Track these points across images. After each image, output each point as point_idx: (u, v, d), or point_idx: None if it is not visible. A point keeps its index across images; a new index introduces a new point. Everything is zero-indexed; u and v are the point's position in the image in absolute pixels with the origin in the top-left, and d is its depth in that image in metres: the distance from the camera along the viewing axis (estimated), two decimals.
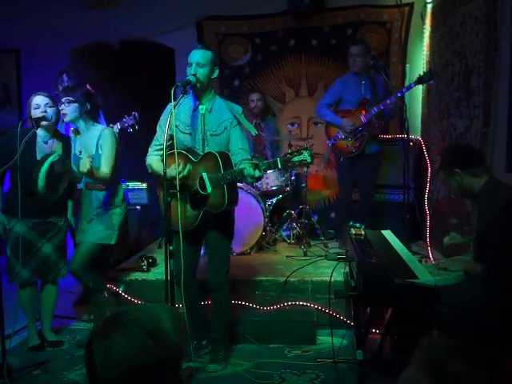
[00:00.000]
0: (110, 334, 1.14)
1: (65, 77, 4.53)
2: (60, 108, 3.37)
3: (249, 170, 2.74)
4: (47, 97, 3.36)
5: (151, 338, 1.14)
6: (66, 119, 3.42)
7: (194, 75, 2.96)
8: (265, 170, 2.77)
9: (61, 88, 4.43)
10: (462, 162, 2.72)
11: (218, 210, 2.98)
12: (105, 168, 3.38)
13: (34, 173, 3.17)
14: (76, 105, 3.35)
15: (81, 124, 3.44)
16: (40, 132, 3.37)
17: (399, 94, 4.50)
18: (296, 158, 2.68)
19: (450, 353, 1.10)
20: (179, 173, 2.90)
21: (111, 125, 4.49)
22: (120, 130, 4.43)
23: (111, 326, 1.17)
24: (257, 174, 2.73)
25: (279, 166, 2.75)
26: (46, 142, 3.43)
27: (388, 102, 4.53)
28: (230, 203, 2.95)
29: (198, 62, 2.98)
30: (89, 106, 3.40)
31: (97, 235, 3.46)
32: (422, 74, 4.43)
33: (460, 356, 1.09)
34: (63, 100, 3.34)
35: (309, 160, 2.68)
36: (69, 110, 3.35)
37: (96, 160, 3.36)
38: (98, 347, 1.14)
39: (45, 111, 3.31)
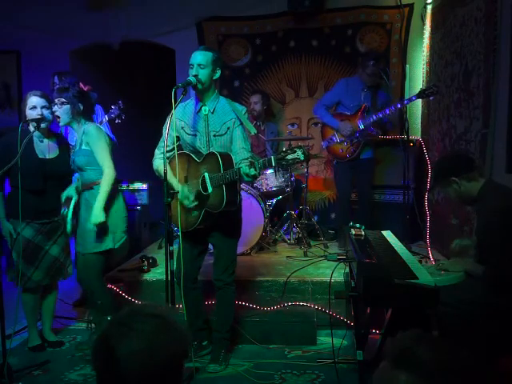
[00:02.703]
0: (131, 327, 1.15)
1: (56, 79, 4.52)
2: (53, 110, 3.32)
3: (244, 168, 2.76)
4: (42, 97, 3.33)
5: (170, 326, 1.18)
6: (60, 123, 3.35)
7: (195, 76, 2.97)
8: (260, 169, 2.77)
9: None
10: (455, 169, 2.73)
11: (217, 211, 2.98)
12: (106, 167, 3.26)
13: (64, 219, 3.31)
14: (68, 106, 3.29)
15: (75, 126, 3.38)
16: (32, 129, 3.30)
17: (399, 106, 4.52)
18: (290, 156, 2.69)
19: (413, 340, 1.11)
20: (188, 203, 3.02)
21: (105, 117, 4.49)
22: (108, 121, 4.43)
23: (130, 319, 1.18)
24: (252, 172, 2.74)
25: (273, 164, 2.76)
26: (42, 141, 3.42)
27: (387, 111, 4.53)
28: (228, 203, 2.95)
29: (199, 63, 2.99)
30: (81, 107, 3.32)
31: (90, 245, 3.32)
32: (425, 87, 4.44)
33: (424, 342, 1.11)
34: (56, 101, 3.30)
35: (302, 158, 2.69)
36: (61, 112, 3.30)
37: (79, 156, 3.31)
38: (122, 343, 1.13)
39: (41, 113, 3.29)
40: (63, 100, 3.29)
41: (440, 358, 1.06)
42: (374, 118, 4.60)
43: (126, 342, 1.13)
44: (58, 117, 3.33)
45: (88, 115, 3.40)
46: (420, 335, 1.13)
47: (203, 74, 2.99)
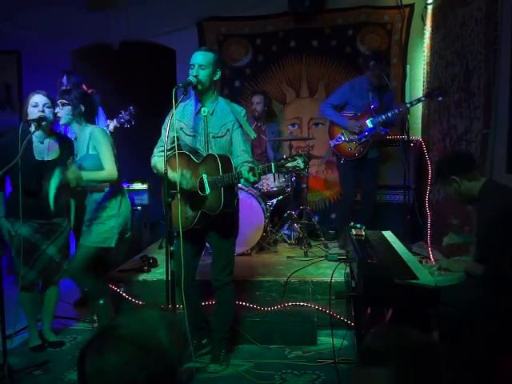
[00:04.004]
0: (102, 351, 1.10)
1: (64, 79, 4.52)
2: (55, 111, 3.35)
3: (244, 173, 2.76)
4: (46, 96, 3.35)
5: (145, 352, 1.09)
6: (61, 122, 3.40)
7: (196, 76, 2.97)
8: (260, 175, 2.77)
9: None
10: (456, 168, 2.73)
11: (214, 213, 2.98)
12: (110, 168, 3.30)
13: (44, 189, 3.23)
14: (69, 107, 3.32)
15: (75, 126, 3.40)
16: (36, 131, 3.32)
17: (408, 106, 4.56)
18: (290, 164, 2.70)
19: (371, 338, 1.19)
20: (182, 179, 2.96)
21: (109, 121, 4.50)
22: (118, 126, 4.43)
23: (102, 341, 1.13)
24: (251, 178, 2.74)
25: (273, 171, 2.77)
26: (42, 142, 3.41)
27: (396, 111, 4.58)
28: (225, 206, 2.95)
29: (199, 63, 2.98)
30: (83, 108, 3.34)
31: (93, 239, 3.39)
32: (433, 89, 4.47)
33: (378, 337, 1.19)
34: (58, 102, 3.34)
35: (302, 166, 2.70)
36: (63, 112, 3.33)
37: (87, 160, 3.33)
38: (90, 364, 1.11)
39: (43, 111, 3.30)
40: (65, 101, 3.32)
41: (398, 345, 1.14)
42: (383, 117, 4.62)
43: (94, 365, 1.11)
44: (59, 117, 3.35)
45: (90, 117, 3.41)
46: (377, 332, 1.24)
47: (203, 75, 2.99)
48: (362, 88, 4.80)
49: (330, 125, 5.01)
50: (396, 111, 4.58)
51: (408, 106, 4.57)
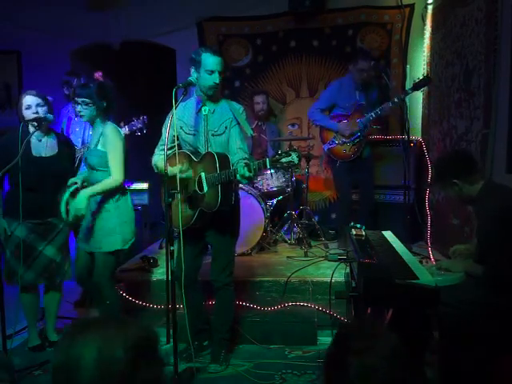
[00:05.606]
0: (74, 333, 1.15)
1: (83, 81, 4.51)
2: (77, 109, 3.21)
3: (240, 170, 2.76)
4: (37, 96, 3.31)
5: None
6: (84, 119, 3.27)
7: (216, 83, 2.98)
8: (255, 171, 2.76)
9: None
10: (458, 172, 2.71)
11: (211, 210, 2.98)
12: (116, 174, 3.15)
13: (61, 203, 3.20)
14: (93, 107, 3.18)
15: (97, 123, 3.26)
16: (33, 130, 3.28)
17: (396, 100, 4.53)
18: (284, 159, 2.71)
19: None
20: (181, 171, 2.95)
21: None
22: (129, 132, 4.42)
23: (81, 327, 1.16)
24: (246, 173, 2.74)
25: (268, 166, 2.77)
26: (40, 140, 3.40)
27: (385, 107, 4.58)
28: (222, 204, 2.94)
29: (220, 70, 2.99)
30: (105, 104, 3.20)
31: (100, 243, 3.26)
32: (417, 80, 4.46)
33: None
34: (79, 101, 3.18)
35: (296, 161, 2.71)
36: (86, 112, 3.19)
37: (92, 156, 3.23)
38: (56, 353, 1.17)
39: (36, 112, 3.27)
40: (87, 100, 3.17)
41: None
42: (373, 115, 4.62)
43: (56, 356, 1.15)
44: (82, 115, 3.22)
45: (110, 111, 3.27)
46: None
47: (220, 80, 3.01)
48: (350, 87, 4.81)
49: (321, 129, 5.01)
50: (385, 107, 4.58)
51: (396, 100, 4.54)
